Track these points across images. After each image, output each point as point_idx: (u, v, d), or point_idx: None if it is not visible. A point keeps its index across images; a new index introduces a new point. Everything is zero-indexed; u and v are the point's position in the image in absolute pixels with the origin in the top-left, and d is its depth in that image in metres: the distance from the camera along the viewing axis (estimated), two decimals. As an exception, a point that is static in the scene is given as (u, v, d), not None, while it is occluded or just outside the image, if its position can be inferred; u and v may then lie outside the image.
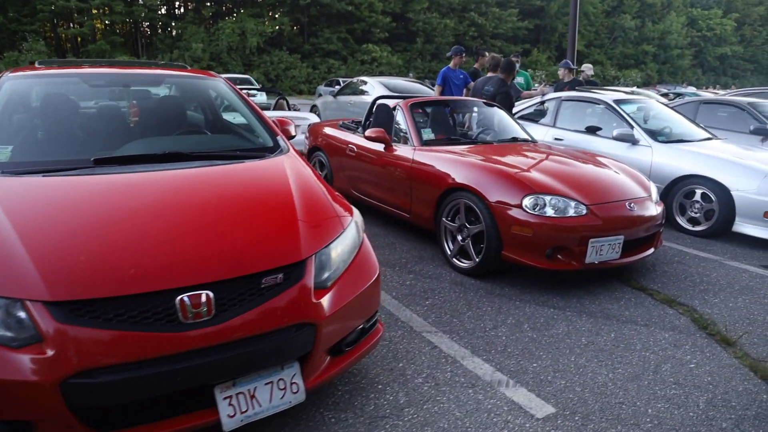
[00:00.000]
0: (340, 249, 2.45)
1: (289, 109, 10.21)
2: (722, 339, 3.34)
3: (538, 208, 3.79)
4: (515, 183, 3.94)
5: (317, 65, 41.58)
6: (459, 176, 4.25)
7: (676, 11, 56.59)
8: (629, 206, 4.02)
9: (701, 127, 6.87)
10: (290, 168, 2.95)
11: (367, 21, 42.74)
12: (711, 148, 5.88)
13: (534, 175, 4.09)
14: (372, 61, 42.50)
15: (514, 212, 3.83)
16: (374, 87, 12.35)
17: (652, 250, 4.28)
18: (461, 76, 8.11)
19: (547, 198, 3.83)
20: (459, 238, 4.28)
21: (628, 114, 6.25)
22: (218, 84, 3.84)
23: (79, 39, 38.94)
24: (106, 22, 39.06)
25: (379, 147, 5.19)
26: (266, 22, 39.77)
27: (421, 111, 5.60)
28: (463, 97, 7.29)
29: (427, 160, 4.65)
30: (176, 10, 43.31)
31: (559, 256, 3.84)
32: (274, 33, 40.35)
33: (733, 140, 7.73)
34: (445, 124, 5.59)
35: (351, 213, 2.72)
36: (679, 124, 6.86)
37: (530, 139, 5.49)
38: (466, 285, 4.07)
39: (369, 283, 2.50)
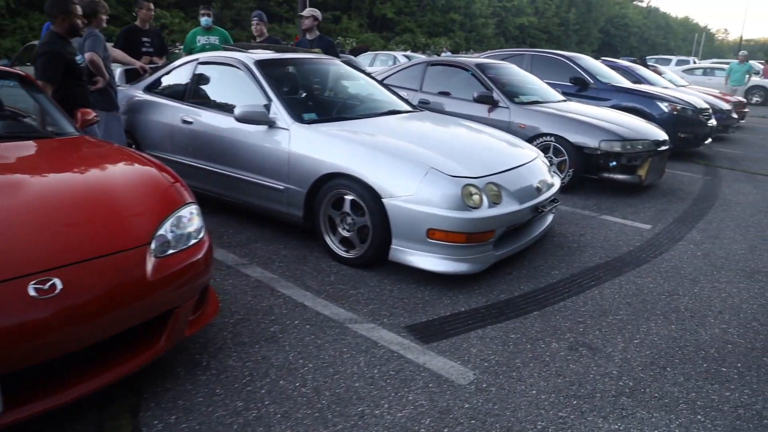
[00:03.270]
0: None
1: None
2: None
3: None
4: None
5: (93, 33, 35.74)
6: None
7: (479, -19, 58.09)
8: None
9: (399, 96, 5.01)
10: None
11: (152, -17, 37.59)
12: (373, 127, 3.96)
13: None
14: (162, 29, 37.60)
15: None
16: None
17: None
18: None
19: None
20: None
21: (267, 82, 4.10)
22: None
23: None
24: None
25: None
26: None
27: None
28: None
29: None
30: None
31: None
32: (31, -7, 33.79)
33: (456, 111, 6.10)
34: None
35: None
36: (370, 93, 4.94)
37: (58, 131, 3.11)
38: None
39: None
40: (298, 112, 3.93)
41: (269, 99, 3.98)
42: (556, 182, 4.02)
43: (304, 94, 4.56)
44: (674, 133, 7.54)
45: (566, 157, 5.52)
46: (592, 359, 2.60)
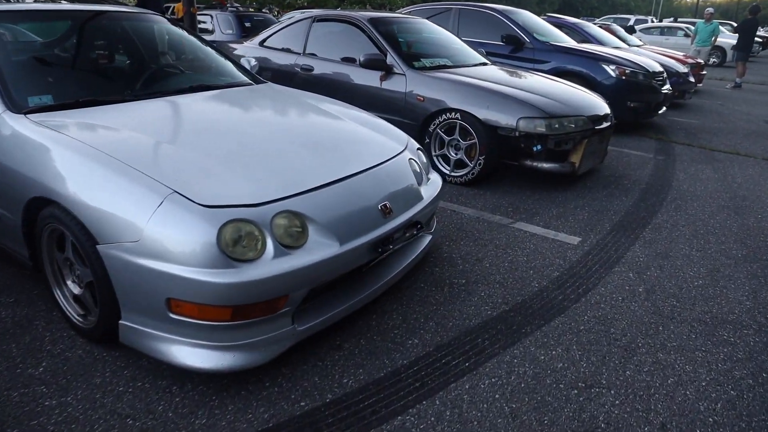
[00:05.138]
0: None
1: None
2: None
3: None
4: None
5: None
6: None
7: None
8: None
9: (236, 64, 3.59)
10: None
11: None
12: (134, 117, 2.55)
13: None
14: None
15: None
16: None
17: None
18: None
19: None
20: None
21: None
22: None
23: None
24: None
25: None
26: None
27: None
28: None
29: None
30: None
31: None
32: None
33: (345, 79, 4.75)
34: None
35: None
36: (188, 61, 3.52)
37: None
38: None
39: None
40: (22, 94, 2.47)
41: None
42: (428, 192, 2.68)
43: (66, 64, 3.09)
44: (622, 101, 6.32)
45: (476, 140, 4.18)
46: None
